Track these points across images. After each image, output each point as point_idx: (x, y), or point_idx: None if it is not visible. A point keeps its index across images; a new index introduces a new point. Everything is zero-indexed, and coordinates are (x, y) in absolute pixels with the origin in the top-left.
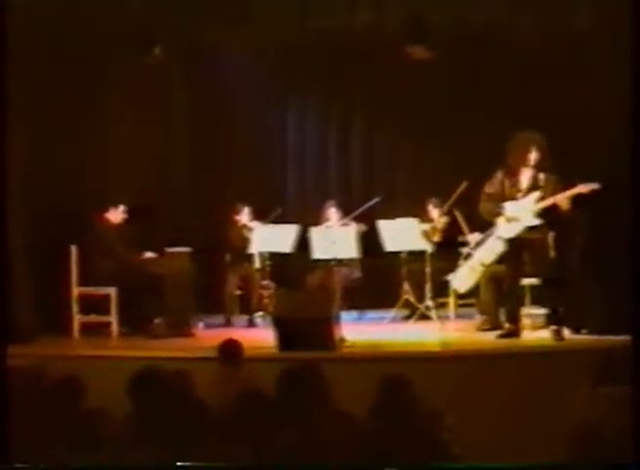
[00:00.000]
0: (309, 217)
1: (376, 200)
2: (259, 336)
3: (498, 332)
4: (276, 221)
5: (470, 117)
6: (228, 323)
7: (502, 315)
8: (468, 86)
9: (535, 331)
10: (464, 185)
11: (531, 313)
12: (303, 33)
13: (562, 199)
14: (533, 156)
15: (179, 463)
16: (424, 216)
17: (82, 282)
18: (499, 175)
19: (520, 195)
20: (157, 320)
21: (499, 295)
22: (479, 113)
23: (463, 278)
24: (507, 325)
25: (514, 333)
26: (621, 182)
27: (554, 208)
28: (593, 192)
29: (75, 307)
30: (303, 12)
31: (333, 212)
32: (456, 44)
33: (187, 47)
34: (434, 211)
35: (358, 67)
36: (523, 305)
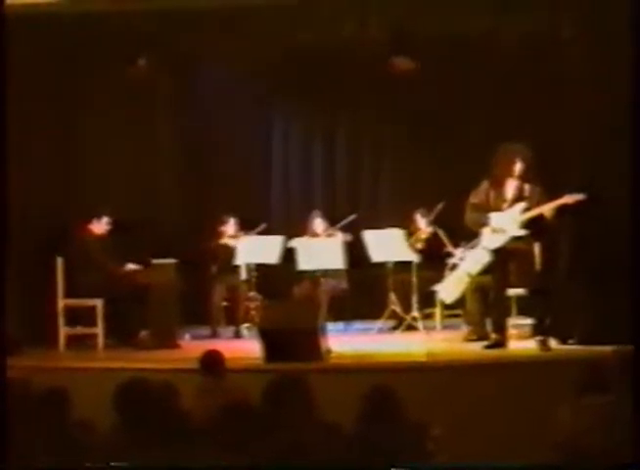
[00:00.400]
0: (295, 228)
1: (353, 216)
2: (246, 347)
3: (484, 343)
4: (261, 234)
5: (455, 128)
6: (214, 335)
7: (489, 326)
8: (453, 97)
9: (522, 341)
10: (441, 205)
11: (518, 324)
12: (288, 46)
13: (547, 209)
14: (518, 167)
15: None
16: (411, 226)
17: (68, 294)
18: (484, 186)
19: (505, 205)
20: (142, 332)
21: (485, 305)
22: (464, 123)
23: (449, 289)
24: (493, 336)
25: (500, 343)
26: (607, 192)
27: (539, 218)
28: (579, 203)
29: (61, 320)
30: (288, 25)
31: (318, 223)
32: (441, 55)
33: (172, 59)
34: (421, 221)
35: (343, 79)
36: (509, 315)
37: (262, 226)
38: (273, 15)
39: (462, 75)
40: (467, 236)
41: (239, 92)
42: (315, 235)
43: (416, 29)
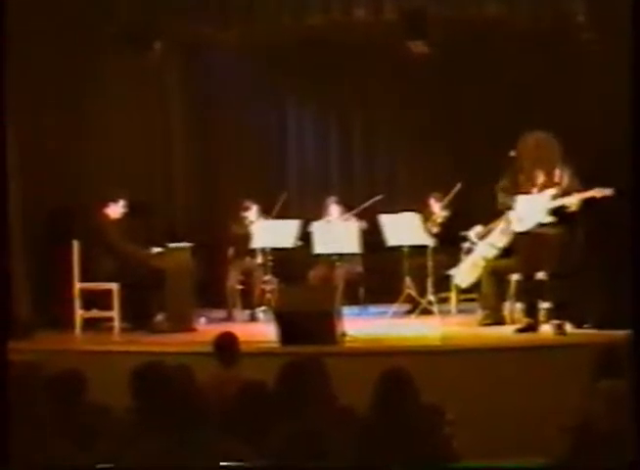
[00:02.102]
0: (311, 213)
1: (378, 197)
2: (261, 330)
3: (516, 326)
4: (283, 209)
5: (471, 112)
6: (230, 318)
7: (504, 310)
8: (468, 81)
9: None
10: (458, 186)
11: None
12: (302, 29)
13: (574, 201)
14: (545, 155)
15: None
16: (425, 211)
17: (84, 277)
18: (512, 172)
19: (535, 190)
20: (158, 315)
21: (501, 289)
22: (479, 107)
23: (465, 273)
24: (525, 319)
25: (532, 327)
26: (623, 178)
27: (566, 206)
28: (606, 197)
29: (78, 303)
30: (302, 8)
31: (334, 208)
32: (457, 39)
33: (187, 43)
34: (435, 206)
35: (358, 61)
36: (542, 299)
37: (284, 195)
38: None
39: (478, 59)
40: (482, 220)
41: (253, 76)
42: (331, 219)
43: (431, 13)
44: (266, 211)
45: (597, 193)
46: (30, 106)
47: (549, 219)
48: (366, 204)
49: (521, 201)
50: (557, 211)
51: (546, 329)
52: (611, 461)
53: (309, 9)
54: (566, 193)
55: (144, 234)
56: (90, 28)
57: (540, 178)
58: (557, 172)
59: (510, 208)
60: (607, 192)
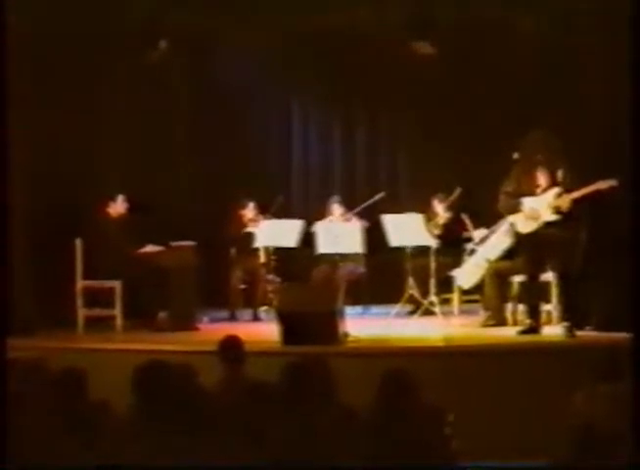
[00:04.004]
0: (313, 212)
1: (381, 195)
2: (264, 330)
3: (518, 328)
4: (280, 211)
5: (474, 113)
6: (232, 317)
7: (507, 311)
8: (471, 82)
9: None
10: (458, 191)
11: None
12: (307, 29)
13: (581, 194)
14: (547, 154)
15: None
16: (429, 212)
17: (87, 275)
18: (516, 174)
19: (539, 191)
20: (161, 314)
21: (503, 291)
22: (482, 108)
23: (467, 274)
24: (527, 321)
25: (534, 329)
26: (625, 178)
27: (572, 203)
28: (612, 188)
29: (80, 301)
30: (307, 8)
31: (336, 208)
32: (461, 40)
33: (190, 42)
34: (438, 207)
35: (363, 62)
36: (544, 300)
37: (280, 199)
38: None
39: (481, 60)
40: (485, 222)
41: (257, 76)
42: (333, 219)
43: (435, 14)
44: (264, 211)
45: (602, 185)
46: (35, 105)
47: (555, 217)
48: (369, 201)
49: (527, 203)
50: (564, 210)
51: (548, 331)
52: (612, 463)
53: (315, 10)
54: (569, 191)
55: (147, 232)
56: (96, 27)
57: (543, 179)
58: (559, 173)
59: (515, 211)
60: (611, 183)
